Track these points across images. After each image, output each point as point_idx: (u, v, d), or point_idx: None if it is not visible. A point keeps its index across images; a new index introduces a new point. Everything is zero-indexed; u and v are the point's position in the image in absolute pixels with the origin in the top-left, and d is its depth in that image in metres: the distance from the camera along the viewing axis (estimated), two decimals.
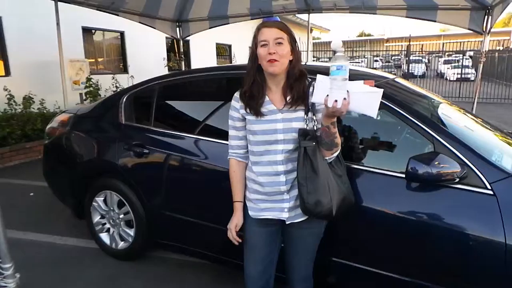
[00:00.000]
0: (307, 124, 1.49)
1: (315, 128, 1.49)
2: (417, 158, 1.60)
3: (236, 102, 1.61)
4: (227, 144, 1.69)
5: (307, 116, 1.50)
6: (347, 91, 1.30)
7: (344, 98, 1.29)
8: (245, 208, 1.67)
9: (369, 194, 1.77)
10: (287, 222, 1.58)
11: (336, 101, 1.29)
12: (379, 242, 1.81)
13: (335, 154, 1.51)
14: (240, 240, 1.66)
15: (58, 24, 4.81)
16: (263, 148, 1.53)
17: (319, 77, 1.39)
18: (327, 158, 1.49)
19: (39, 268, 2.69)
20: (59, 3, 4.85)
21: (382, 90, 1.32)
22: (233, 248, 1.70)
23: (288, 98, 1.51)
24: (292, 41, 1.50)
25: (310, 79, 1.55)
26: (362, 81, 1.34)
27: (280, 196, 1.56)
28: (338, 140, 1.46)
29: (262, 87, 1.53)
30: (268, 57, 1.44)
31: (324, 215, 1.49)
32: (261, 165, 1.56)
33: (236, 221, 1.66)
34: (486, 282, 1.59)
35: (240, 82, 1.60)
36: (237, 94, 1.62)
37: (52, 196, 3.22)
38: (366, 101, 1.31)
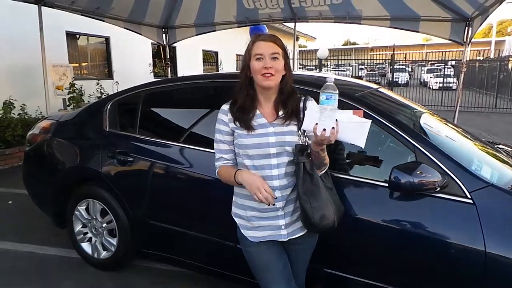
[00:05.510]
0: (300, 139, 1.49)
1: (306, 143, 1.49)
2: (400, 168, 1.62)
3: (224, 115, 1.56)
4: (212, 152, 1.67)
5: (300, 130, 1.50)
6: (336, 120, 1.32)
7: (333, 128, 1.31)
8: (237, 230, 1.62)
9: (352, 203, 1.79)
10: (286, 239, 1.55)
11: (324, 130, 1.32)
12: (361, 251, 1.83)
13: (323, 172, 1.54)
14: (275, 196, 1.47)
15: (41, 28, 4.74)
16: (257, 163, 1.49)
17: (310, 104, 1.43)
18: None
19: (16, 279, 2.61)
20: (42, 7, 4.78)
21: (370, 121, 1.35)
22: (220, 258, 1.69)
23: (281, 113, 1.51)
24: (286, 56, 1.50)
25: (300, 95, 1.56)
26: (351, 111, 1.37)
27: (274, 213, 1.52)
28: (327, 160, 1.52)
29: (254, 100, 1.52)
30: (264, 71, 1.44)
31: (328, 228, 1.49)
32: None
33: (259, 178, 1.44)
34: None
35: (226, 91, 1.59)
36: (224, 107, 1.58)
37: (32, 204, 3.13)
38: (354, 131, 1.34)
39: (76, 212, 2.71)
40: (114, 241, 2.59)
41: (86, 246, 2.75)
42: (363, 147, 1.35)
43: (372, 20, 5.49)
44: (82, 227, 2.75)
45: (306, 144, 1.49)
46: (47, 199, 2.91)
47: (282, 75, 1.49)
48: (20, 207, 3.83)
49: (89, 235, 2.73)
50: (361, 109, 1.44)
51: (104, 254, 2.67)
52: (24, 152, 3.12)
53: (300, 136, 1.50)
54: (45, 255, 2.93)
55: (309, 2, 5.45)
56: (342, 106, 1.41)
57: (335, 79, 1.41)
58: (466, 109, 12.51)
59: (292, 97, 1.52)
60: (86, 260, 2.76)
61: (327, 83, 1.33)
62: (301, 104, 1.53)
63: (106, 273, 2.67)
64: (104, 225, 2.62)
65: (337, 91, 1.32)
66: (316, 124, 1.33)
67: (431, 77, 20.54)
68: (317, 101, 1.40)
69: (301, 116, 1.50)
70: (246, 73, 1.50)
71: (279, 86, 1.51)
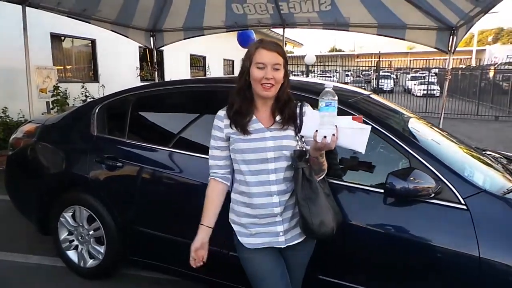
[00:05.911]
0: (298, 144, 1.48)
1: (304, 148, 1.48)
2: (395, 174, 1.63)
3: (219, 121, 1.54)
4: (203, 157, 1.64)
5: (297, 135, 1.48)
6: (336, 126, 1.31)
7: (333, 134, 1.31)
8: (234, 237, 1.58)
9: (346, 209, 1.78)
10: (284, 246, 1.52)
11: (325, 137, 1.31)
12: (355, 257, 1.82)
13: (321, 177, 1.53)
14: (199, 264, 1.58)
15: (25, 29, 4.61)
16: (254, 168, 1.48)
17: (308, 111, 1.42)
18: None
19: None
20: (27, 8, 4.66)
21: (370, 126, 1.35)
22: (211, 266, 1.65)
23: (278, 118, 1.50)
24: (286, 65, 1.49)
25: (295, 101, 1.55)
26: (351, 117, 1.36)
27: (272, 219, 1.50)
28: (325, 166, 1.51)
29: (251, 104, 1.51)
30: (264, 81, 1.42)
31: (327, 235, 1.47)
32: (252, 185, 1.48)
33: (197, 245, 1.55)
34: None
35: (216, 96, 1.56)
36: (220, 113, 1.56)
37: (14, 211, 3.01)
38: (354, 137, 1.33)
39: (61, 219, 2.62)
40: (101, 249, 2.52)
41: (72, 254, 2.66)
42: (363, 153, 1.34)
43: (360, 27, 5.56)
44: (68, 235, 2.66)
45: (304, 149, 1.47)
46: (31, 205, 2.81)
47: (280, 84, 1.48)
48: (1, 214, 3.69)
49: (75, 242, 2.64)
50: (361, 115, 1.43)
51: (90, 262, 2.59)
52: (6, 157, 3.01)
53: (298, 142, 1.48)
54: (28, 263, 2.82)
55: (298, 8, 5.48)
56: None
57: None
58: (449, 115, 12.77)
59: (289, 104, 1.51)
60: (72, 268, 2.66)
61: (326, 89, 1.31)
62: (297, 110, 1.52)
63: (93, 282, 2.58)
64: (91, 232, 2.54)
65: (336, 98, 1.31)
66: (316, 131, 1.32)
67: (414, 84, 20.92)
68: (313, 106, 1.39)
69: (298, 121, 1.50)
70: (245, 78, 1.48)
71: (277, 94, 1.50)
